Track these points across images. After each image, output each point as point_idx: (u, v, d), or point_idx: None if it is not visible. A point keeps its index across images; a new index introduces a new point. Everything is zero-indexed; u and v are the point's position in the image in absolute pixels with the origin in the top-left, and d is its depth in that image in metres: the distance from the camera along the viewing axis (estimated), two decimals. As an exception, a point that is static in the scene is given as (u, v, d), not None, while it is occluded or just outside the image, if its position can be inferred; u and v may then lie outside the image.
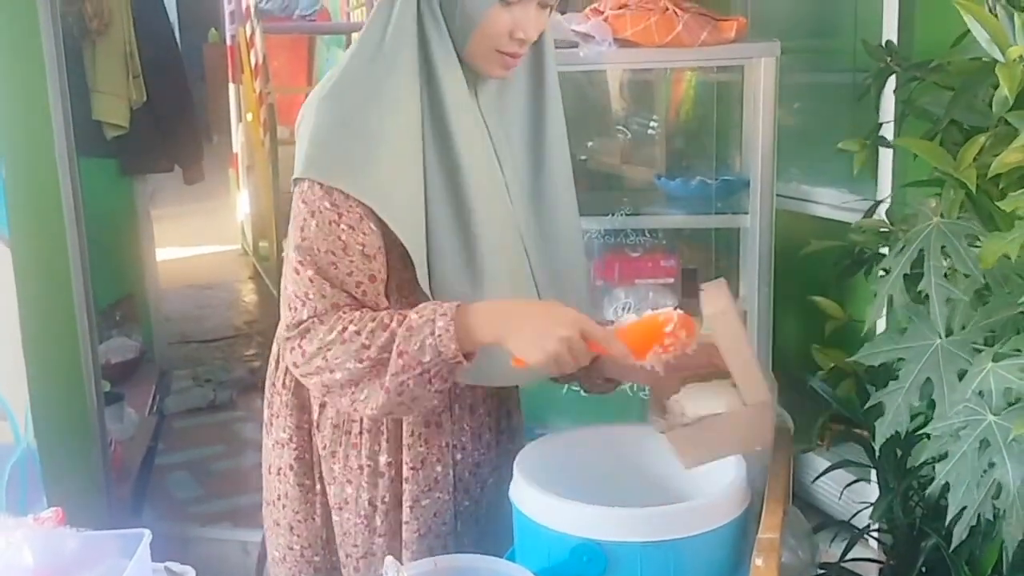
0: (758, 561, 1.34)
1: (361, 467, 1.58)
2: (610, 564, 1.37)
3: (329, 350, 1.42)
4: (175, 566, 1.49)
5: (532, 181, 1.59)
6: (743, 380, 1.39)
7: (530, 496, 1.46)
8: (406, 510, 1.59)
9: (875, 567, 1.76)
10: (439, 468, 1.60)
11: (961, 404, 1.01)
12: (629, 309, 3.26)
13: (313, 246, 1.44)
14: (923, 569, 1.58)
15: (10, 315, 2.63)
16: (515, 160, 1.59)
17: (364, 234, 1.44)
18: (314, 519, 1.65)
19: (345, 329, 1.41)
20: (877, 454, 1.75)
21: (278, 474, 1.65)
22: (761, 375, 1.40)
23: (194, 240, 7.02)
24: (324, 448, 1.61)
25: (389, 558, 1.33)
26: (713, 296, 1.40)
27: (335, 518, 1.64)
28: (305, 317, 1.45)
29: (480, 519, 1.66)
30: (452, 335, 1.36)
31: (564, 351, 1.35)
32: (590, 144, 3.26)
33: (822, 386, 1.78)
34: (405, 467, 1.58)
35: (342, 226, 1.43)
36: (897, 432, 1.34)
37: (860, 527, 1.80)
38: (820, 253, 2.03)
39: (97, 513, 3.09)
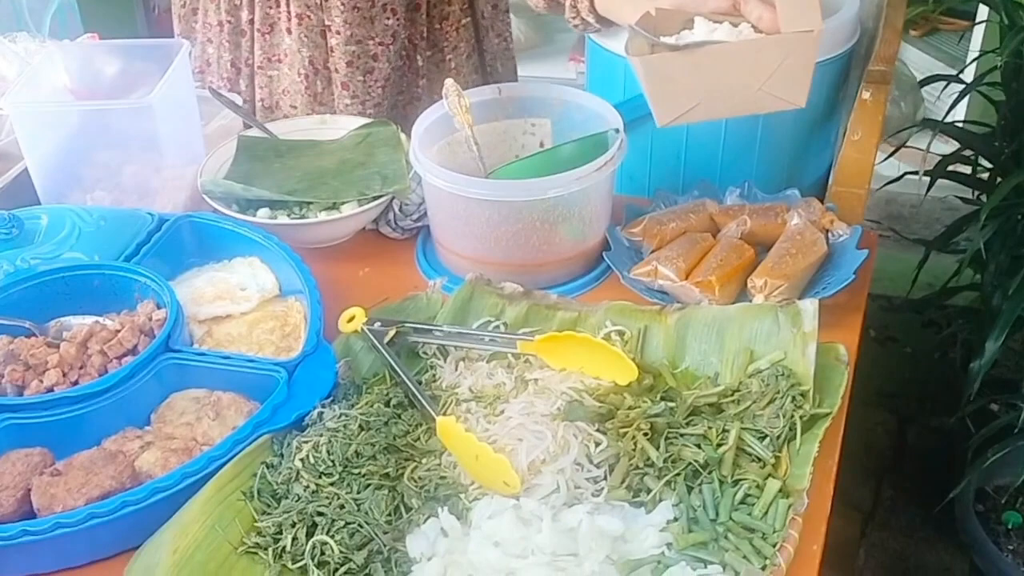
0: (865, 95, 1.19)
1: (220, 24, 1.40)
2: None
3: None
4: (224, 92, 1.39)
5: None
6: None
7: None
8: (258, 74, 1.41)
9: (982, 129, 1.61)
10: (288, 40, 1.37)
11: None
12: None
13: None
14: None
15: None
16: None
17: None
18: None
19: None
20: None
21: None
22: None
23: None
24: (184, 6, 1.45)
25: (449, 80, 1.20)
26: None
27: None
28: None
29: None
30: None
31: None
32: None
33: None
34: (256, 29, 1.38)
35: None
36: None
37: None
38: None
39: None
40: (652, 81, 0.90)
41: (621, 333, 1.03)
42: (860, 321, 1.13)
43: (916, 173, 1.55)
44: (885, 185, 1.58)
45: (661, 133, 1.31)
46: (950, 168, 1.67)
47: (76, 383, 0.91)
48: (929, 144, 1.50)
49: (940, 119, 1.65)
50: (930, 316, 2.03)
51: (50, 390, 0.90)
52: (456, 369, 1.00)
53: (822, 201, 1.22)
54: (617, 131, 1.14)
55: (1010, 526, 1.83)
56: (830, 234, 1.18)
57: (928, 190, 1.55)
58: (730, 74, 0.90)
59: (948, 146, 1.68)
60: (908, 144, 1.66)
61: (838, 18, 1.26)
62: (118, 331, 0.94)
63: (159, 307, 0.98)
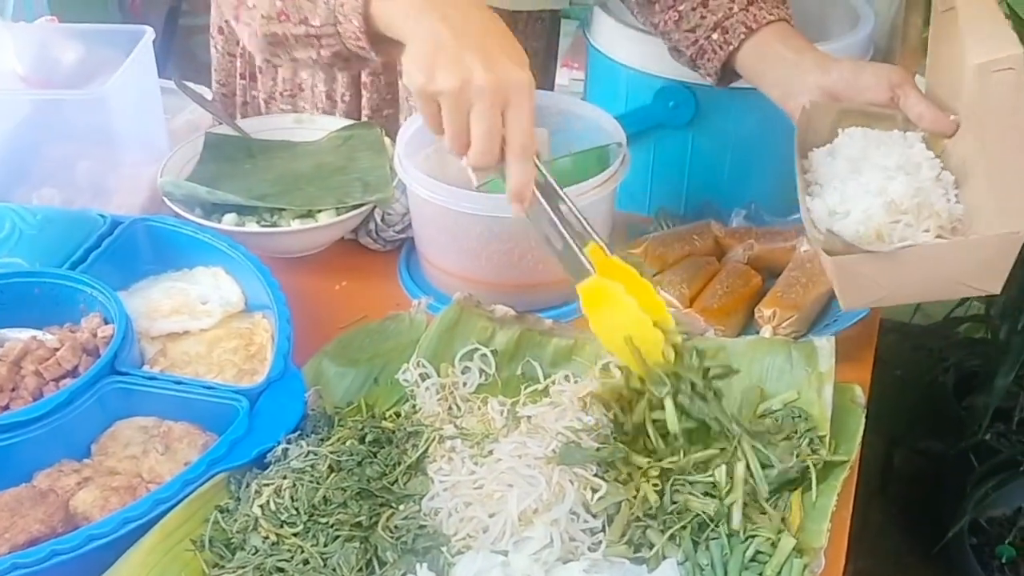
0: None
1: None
2: (700, 111, 1.16)
3: None
4: (192, 85, 1.29)
5: None
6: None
7: (610, 30, 1.20)
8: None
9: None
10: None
11: None
12: None
13: None
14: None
15: None
16: None
17: None
18: None
19: None
20: None
21: None
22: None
23: None
24: None
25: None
26: None
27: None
28: None
29: None
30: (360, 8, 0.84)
31: (462, 90, 0.77)
32: None
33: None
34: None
35: None
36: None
37: None
38: None
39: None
40: (842, 277, 0.88)
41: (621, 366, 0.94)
42: (872, 356, 1.06)
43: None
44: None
45: (664, 148, 1.24)
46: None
47: (6, 408, 0.80)
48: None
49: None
50: (922, 341, 1.98)
51: (-24, 415, 0.79)
52: (441, 399, 0.90)
53: (832, 226, 1.14)
54: (620, 145, 1.05)
55: (1004, 560, 1.77)
56: (842, 262, 1.10)
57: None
58: (926, 272, 0.86)
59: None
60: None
61: (850, 38, 1.19)
62: (57, 349, 0.83)
63: (106, 322, 0.88)
